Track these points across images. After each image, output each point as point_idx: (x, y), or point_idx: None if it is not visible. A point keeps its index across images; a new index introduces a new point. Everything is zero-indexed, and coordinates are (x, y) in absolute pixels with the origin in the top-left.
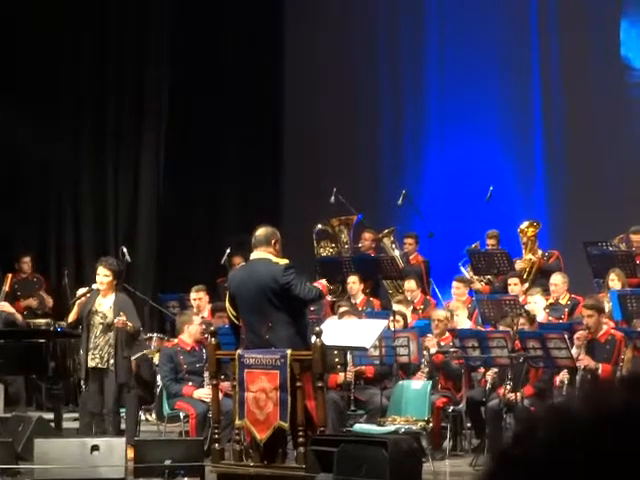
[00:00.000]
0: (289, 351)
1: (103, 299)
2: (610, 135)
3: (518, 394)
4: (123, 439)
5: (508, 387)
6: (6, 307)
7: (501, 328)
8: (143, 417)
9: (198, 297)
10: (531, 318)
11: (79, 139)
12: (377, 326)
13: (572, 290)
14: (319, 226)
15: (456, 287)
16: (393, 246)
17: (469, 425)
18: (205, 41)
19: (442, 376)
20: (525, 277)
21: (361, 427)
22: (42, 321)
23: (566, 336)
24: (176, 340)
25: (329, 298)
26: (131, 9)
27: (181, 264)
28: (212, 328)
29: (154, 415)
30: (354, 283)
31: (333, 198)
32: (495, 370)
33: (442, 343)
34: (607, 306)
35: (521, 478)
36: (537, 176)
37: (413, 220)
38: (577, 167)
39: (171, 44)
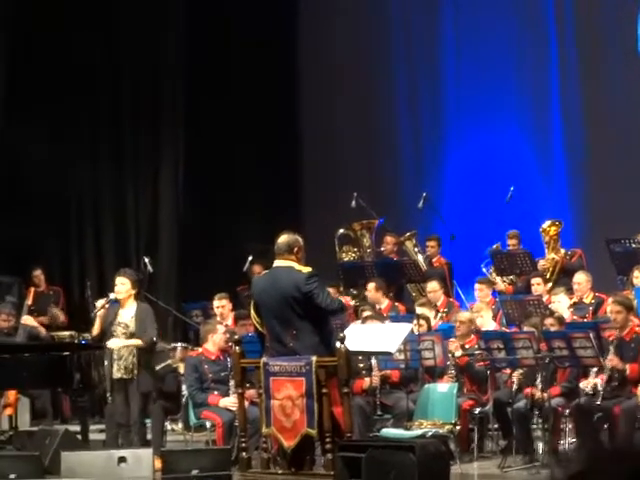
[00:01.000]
0: (314, 358)
1: (124, 310)
2: (630, 131)
3: (545, 394)
4: (150, 450)
5: (538, 387)
6: (29, 321)
7: (525, 329)
8: (169, 427)
9: (221, 305)
10: (559, 318)
11: (97, 154)
12: (401, 330)
13: (596, 288)
14: (341, 231)
15: (479, 289)
16: (416, 249)
17: (496, 427)
18: (219, 50)
19: (467, 379)
20: (548, 276)
21: (388, 432)
22: (66, 334)
23: (591, 335)
24: (200, 349)
25: (352, 303)
26: (145, 23)
27: (202, 273)
28: (236, 336)
29: (180, 425)
30: (371, 291)
31: (354, 203)
32: (521, 371)
33: (466, 346)
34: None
35: None
36: (558, 174)
37: (434, 223)
38: (597, 164)
39: (187, 56)
